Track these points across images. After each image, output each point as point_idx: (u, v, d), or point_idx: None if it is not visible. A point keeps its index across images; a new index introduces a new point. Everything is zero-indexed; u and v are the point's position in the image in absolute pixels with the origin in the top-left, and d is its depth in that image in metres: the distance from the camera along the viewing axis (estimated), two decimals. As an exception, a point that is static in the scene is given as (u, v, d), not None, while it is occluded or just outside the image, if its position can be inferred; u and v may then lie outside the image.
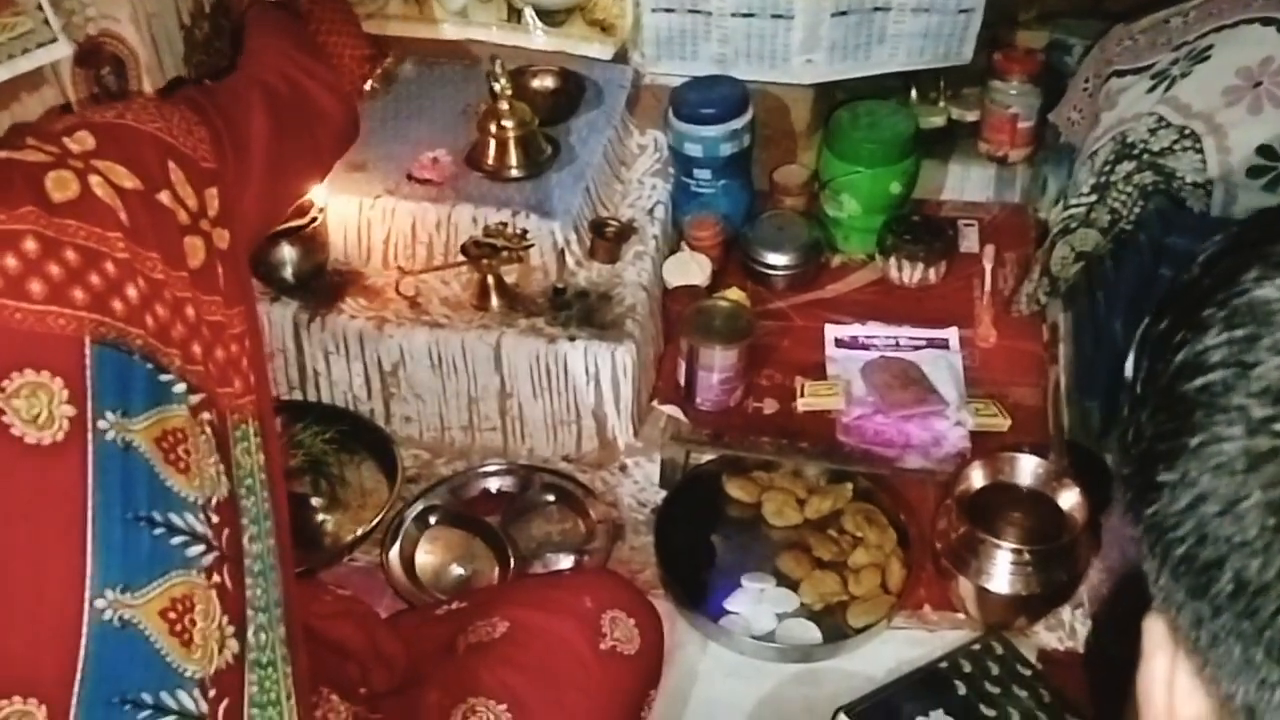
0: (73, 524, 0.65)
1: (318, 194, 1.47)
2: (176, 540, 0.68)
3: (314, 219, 1.46)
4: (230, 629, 0.71)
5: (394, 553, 1.36)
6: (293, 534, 0.81)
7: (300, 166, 1.01)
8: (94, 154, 0.71)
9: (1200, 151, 1.22)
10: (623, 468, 1.47)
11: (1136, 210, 1.27)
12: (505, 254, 1.43)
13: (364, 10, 1.76)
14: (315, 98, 1.04)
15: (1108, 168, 1.30)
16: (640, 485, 1.45)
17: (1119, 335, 1.35)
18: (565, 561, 1.36)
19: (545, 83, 1.70)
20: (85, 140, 0.71)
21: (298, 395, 1.50)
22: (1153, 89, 1.31)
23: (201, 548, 0.70)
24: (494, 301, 1.46)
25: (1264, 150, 1.19)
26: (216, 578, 0.70)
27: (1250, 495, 0.33)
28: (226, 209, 0.76)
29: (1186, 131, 1.23)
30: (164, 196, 0.72)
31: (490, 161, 1.54)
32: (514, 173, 1.54)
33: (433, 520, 1.40)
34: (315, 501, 1.41)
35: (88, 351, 0.66)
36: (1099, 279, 1.42)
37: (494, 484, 1.46)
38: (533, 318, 1.45)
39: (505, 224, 1.46)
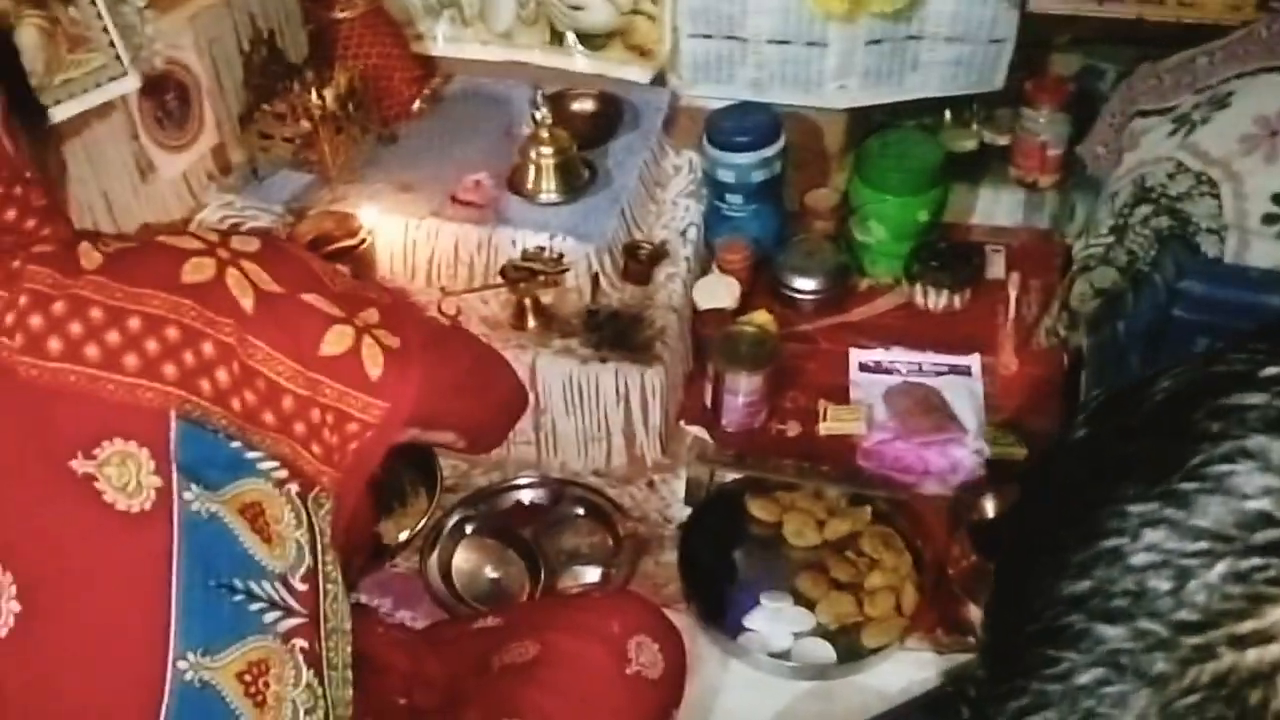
0: (159, 588, 0.69)
1: (368, 216, 1.54)
2: (255, 607, 0.72)
3: (364, 240, 1.53)
4: (319, 689, 0.75)
5: (433, 560, 1.44)
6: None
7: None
8: (249, 256, 0.74)
9: (1217, 198, 1.24)
10: (650, 484, 1.54)
11: (1153, 253, 1.31)
12: (542, 278, 1.49)
13: (413, 32, 1.83)
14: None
15: (1126, 210, 1.33)
16: (666, 501, 1.51)
17: (1134, 370, 1.38)
18: (593, 574, 1.43)
19: (585, 105, 1.76)
20: (250, 243, 0.75)
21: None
22: (1174, 132, 1.33)
23: (280, 614, 0.74)
24: (531, 322, 1.53)
25: (1279, 199, 1.21)
26: (300, 642, 0.74)
27: None
28: (389, 321, 0.78)
29: (1204, 178, 1.26)
30: (309, 298, 0.75)
31: (530, 186, 1.60)
32: (552, 197, 1.60)
33: (469, 529, 1.48)
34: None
35: (173, 425, 0.69)
36: (1122, 313, 1.46)
37: (527, 496, 1.53)
38: (567, 339, 1.51)
39: (543, 248, 1.52)
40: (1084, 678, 0.36)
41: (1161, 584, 0.36)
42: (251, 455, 0.73)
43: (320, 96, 1.61)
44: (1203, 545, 0.35)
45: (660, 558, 1.45)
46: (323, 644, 0.78)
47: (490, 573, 1.45)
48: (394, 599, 1.41)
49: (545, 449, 1.56)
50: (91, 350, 0.69)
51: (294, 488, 0.75)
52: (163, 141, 1.52)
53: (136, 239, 0.78)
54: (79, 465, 0.68)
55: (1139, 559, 0.36)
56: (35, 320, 0.69)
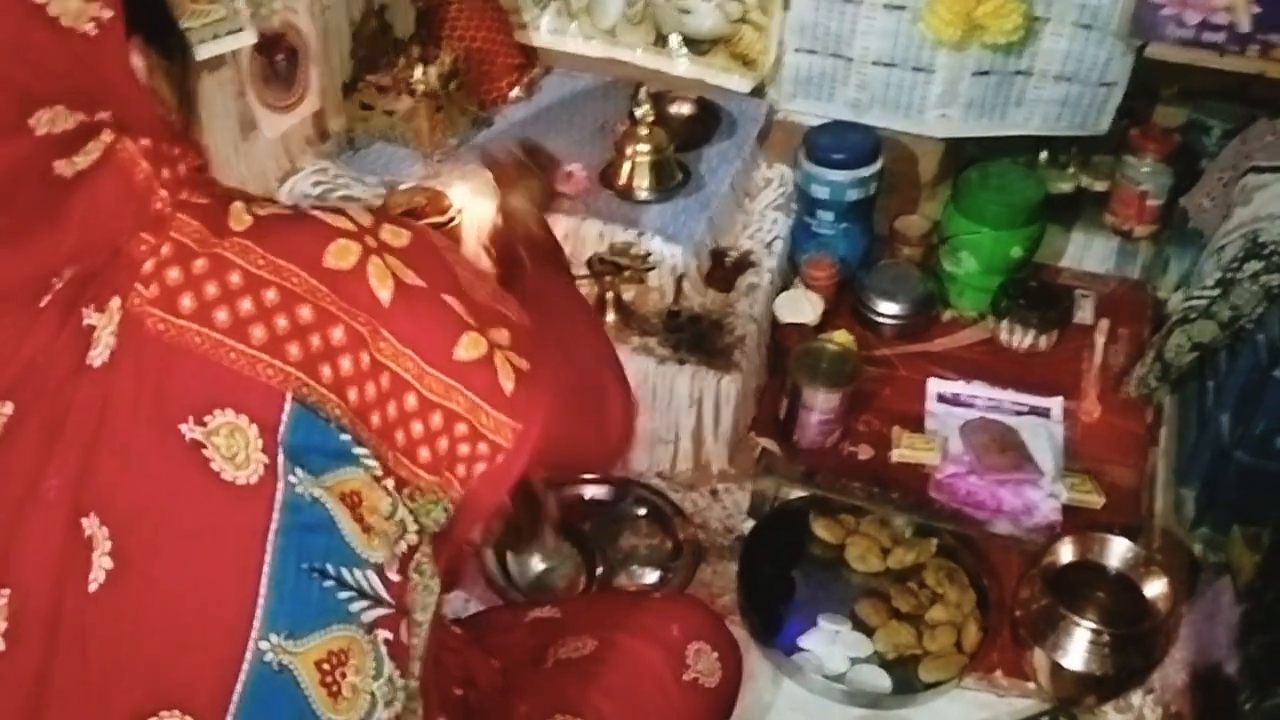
0: (252, 565, 0.66)
1: (459, 195, 1.55)
2: (344, 595, 0.70)
3: (453, 218, 1.53)
4: (400, 682, 0.74)
5: (490, 548, 1.43)
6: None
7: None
8: (396, 250, 0.71)
9: (1332, 260, 1.22)
10: (713, 492, 1.52)
11: (1259, 310, 1.28)
12: (628, 274, 1.48)
13: (517, 20, 1.83)
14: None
15: (1235, 264, 1.30)
16: (729, 512, 1.50)
17: (1224, 429, 1.35)
18: (650, 576, 1.41)
19: (683, 109, 1.76)
20: (399, 236, 0.72)
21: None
22: (1291, 191, 1.31)
23: (367, 604, 0.71)
24: (610, 316, 1.52)
25: (1399, 267, 1.18)
26: (384, 634, 0.72)
27: None
28: (519, 344, 0.75)
29: (1321, 239, 1.23)
30: (449, 299, 0.73)
31: (623, 181, 1.60)
32: (644, 195, 1.59)
33: (528, 519, 1.47)
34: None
35: (287, 407, 0.67)
36: (1212, 370, 1.43)
37: (589, 491, 1.52)
38: (646, 337, 1.50)
39: (630, 244, 1.52)
40: None
41: None
42: (358, 451, 0.71)
43: (425, 73, 1.62)
44: None
45: (718, 567, 1.43)
46: (409, 637, 0.76)
47: (547, 564, 1.43)
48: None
49: (611, 446, 1.55)
50: (222, 314, 0.67)
51: (391, 482, 0.73)
52: (268, 101, 1.53)
53: (290, 208, 0.74)
54: (189, 430, 0.66)
55: None
56: (173, 273, 0.67)
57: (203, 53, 1.35)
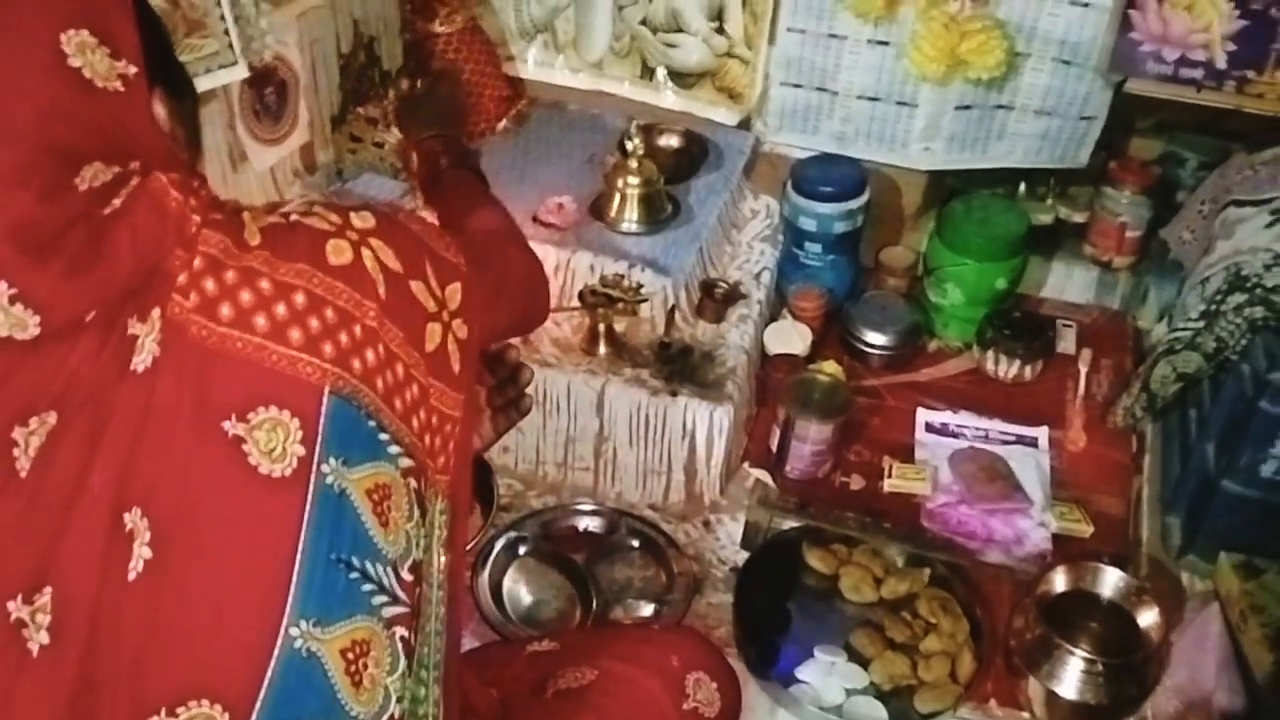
0: (285, 554, 0.70)
1: (449, 227, 1.54)
2: (366, 587, 0.73)
3: (443, 250, 1.53)
4: (411, 681, 0.76)
5: (484, 578, 1.42)
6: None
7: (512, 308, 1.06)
8: (371, 232, 0.77)
9: (1314, 293, 1.24)
10: (706, 523, 1.52)
11: (1243, 342, 1.30)
12: (620, 305, 1.49)
13: (505, 52, 1.84)
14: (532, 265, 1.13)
15: (1219, 297, 1.33)
16: (722, 543, 1.50)
17: (1209, 459, 1.37)
18: (645, 609, 1.41)
19: (671, 141, 1.77)
20: (367, 219, 0.77)
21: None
22: (1272, 224, 1.34)
23: (385, 599, 0.75)
24: (602, 348, 1.52)
25: (1379, 300, 1.21)
26: (400, 631, 0.75)
27: None
28: (466, 304, 0.82)
29: (1302, 272, 1.26)
30: (416, 286, 0.78)
31: (613, 213, 1.61)
32: (634, 227, 1.60)
33: (522, 550, 1.46)
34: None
35: (325, 400, 0.71)
36: (1194, 400, 1.45)
37: (583, 523, 1.52)
38: (638, 369, 1.51)
39: (622, 276, 1.52)
40: None
41: None
42: (383, 437, 0.75)
43: (414, 105, 1.62)
44: None
45: (713, 599, 1.43)
46: (417, 638, 0.78)
47: (539, 596, 1.43)
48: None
49: (604, 477, 1.55)
50: (260, 320, 0.71)
51: (413, 481, 0.77)
52: (257, 134, 1.53)
53: (275, 213, 0.78)
54: (230, 426, 0.69)
55: None
56: (209, 284, 0.71)
57: (197, 87, 1.35)
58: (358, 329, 0.73)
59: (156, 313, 0.70)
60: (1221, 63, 1.47)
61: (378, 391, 0.74)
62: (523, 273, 1.10)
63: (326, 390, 0.72)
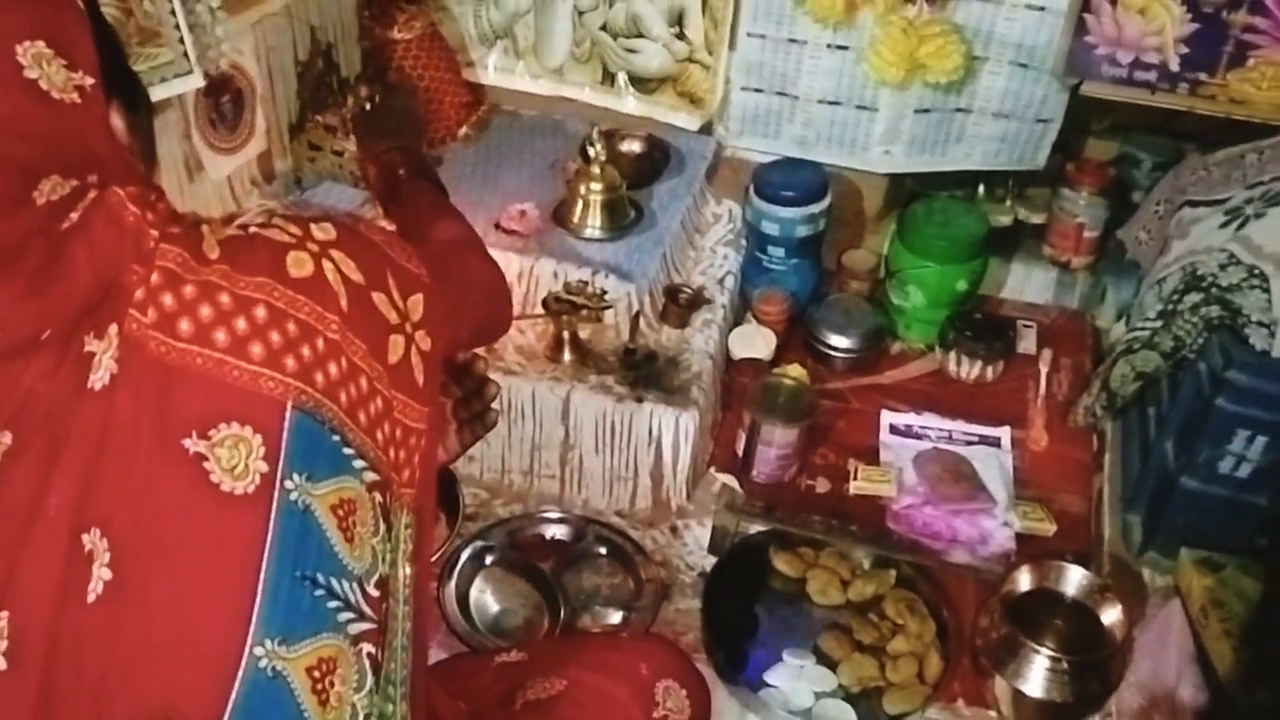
0: (248, 572, 0.68)
1: (410, 235, 1.53)
2: (332, 604, 0.72)
3: (404, 259, 1.51)
4: (378, 698, 0.75)
5: (450, 588, 1.41)
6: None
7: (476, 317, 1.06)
8: (332, 244, 0.75)
9: (1267, 291, 1.26)
10: (674, 529, 1.52)
11: (1200, 341, 1.32)
12: (584, 312, 1.48)
13: (464, 59, 1.83)
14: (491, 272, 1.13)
15: (1175, 296, 1.34)
16: (690, 548, 1.50)
17: (1168, 456, 1.39)
18: (613, 616, 1.41)
19: (633, 147, 1.77)
20: (328, 230, 0.76)
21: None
22: (1226, 224, 1.36)
23: (352, 615, 0.74)
24: (567, 355, 1.52)
25: (1329, 298, 1.23)
26: (367, 647, 0.74)
27: None
28: (429, 316, 0.81)
29: (1256, 271, 1.27)
30: (378, 297, 0.77)
31: (576, 220, 1.60)
32: (597, 233, 1.60)
33: (488, 560, 1.45)
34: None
35: (288, 415, 0.70)
36: (1153, 398, 1.47)
37: (549, 531, 1.51)
38: (603, 375, 1.51)
39: (585, 282, 1.52)
40: None
41: None
42: (348, 451, 0.74)
43: (373, 113, 1.60)
44: None
45: (681, 605, 1.43)
46: (385, 654, 0.77)
47: (507, 605, 1.42)
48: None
49: (570, 485, 1.54)
50: (220, 335, 0.69)
51: (379, 496, 0.76)
52: (214, 143, 1.51)
53: (233, 225, 0.77)
54: (192, 444, 0.68)
55: None
56: (167, 299, 0.69)
57: (151, 96, 1.33)
58: (320, 342, 0.72)
59: (114, 329, 0.68)
60: (1175, 65, 1.49)
61: (341, 405, 0.73)
62: (485, 282, 1.10)
63: (289, 405, 0.70)
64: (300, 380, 0.71)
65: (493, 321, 1.12)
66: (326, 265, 0.74)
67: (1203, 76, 1.48)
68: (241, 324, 0.70)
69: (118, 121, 0.74)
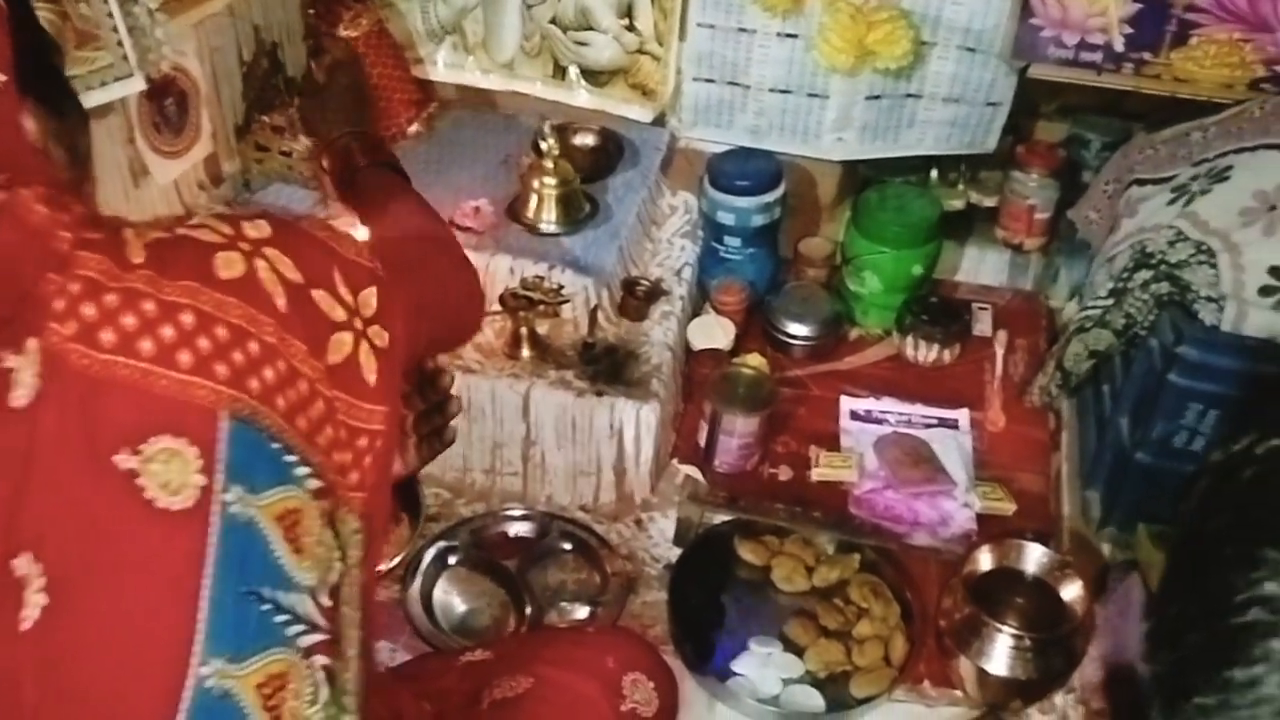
0: (190, 590, 0.66)
1: (364, 235, 1.51)
2: (280, 618, 0.70)
3: (358, 259, 1.50)
4: (334, 709, 0.73)
5: (414, 589, 1.40)
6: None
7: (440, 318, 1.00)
8: (266, 241, 0.72)
9: (1215, 267, 1.28)
10: (638, 522, 1.52)
11: (1151, 317, 1.34)
12: (541, 307, 1.47)
13: (413, 55, 1.82)
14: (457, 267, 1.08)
15: (1126, 274, 1.36)
16: (655, 540, 1.50)
17: (1123, 432, 1.41)
18: (580, 611, 1.40)
19: (586, 140, 1.76)
20: (262, 228, 0.73)
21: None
22: (1173, 202, 1.37)
23: (302, 628, 0.70)
24: (525, 351, 1.51)
25: (1275, 271, 1.25)
26: (321, 659, 0.72)
27: None
28: (385, 310, 0.77)
29: (1203, 247, 1.29)
30: (319, 294, 0.74)
31: (530, 215, 1.59)
32: (553, 228, 1.59)
33: (452, 560, 1.44)
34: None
35: (221, 424, 0.67)
36: (1107, 376, 1.49)
37: (513, 529, 1.50)
38: (562, 370, 1.50)
39: (542, 278, 1.51)
40: (1267, 691, 0.36)
41: None
42: (289, 459, 0.71)
43: (321, 112, 1.58)
44: None
45: (647, 597, 1.43)
46: (339, 665, 0.75)
47: (473, 605, 1.41)
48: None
49: (533, 481, 1.54)
50: (145, 344, 0.67)
51: (325, 503, 0.74)
52: (158, 146, 1.48)
53: (162, 227, 0.74)
54: (123, 460, 0.65)
55: None
56: (88, 309, 0.66)
57: (90, 100, 1.30)
58: (254, 346, 0.70)
59: (34, 343, 0.66)
60: (1119, 45, 1.50)
61: (279, 411, 0.70)
62: (449, 274, 1.05)
63: (223, 414, 0.68)
64: (233, 387, 0.68)
65: (461, 320, 1.07)
66: (259, 264, 0.72)
67: (1147, 56, 1.50)
68: (168, 332, 0.67)
69: (30, 124, 0.71)
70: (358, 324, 0.76)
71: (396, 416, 0.80)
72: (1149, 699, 0.41)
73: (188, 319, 0.68)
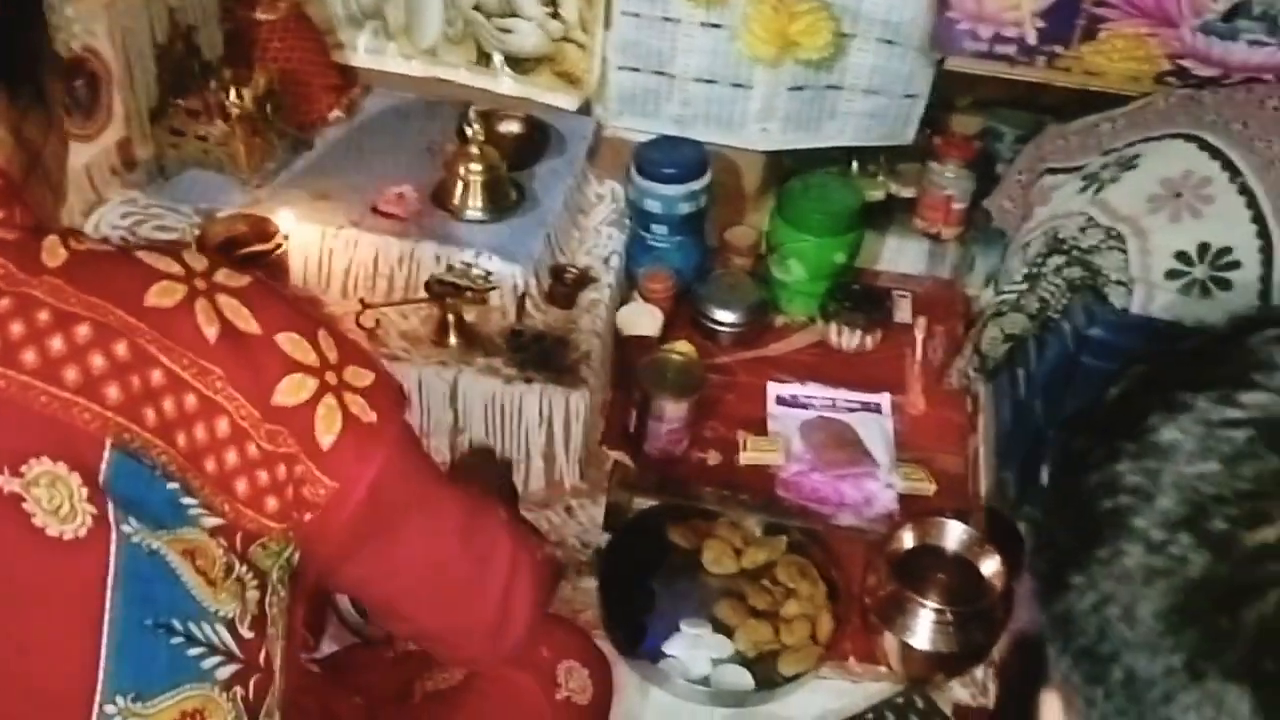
0: (90, 624, 0.61)
1: (284, 222, 1.49)
2: (194, 651, 0.65)
3: (279, 245, 1.47)
4: None
5: (340, 581, 1.38)
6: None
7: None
8: (229, 290, 0.66)
9: (1124, 252, 1.33)
10: (568, 509, 1.52)
11: (1064, 301, 1.38)
12: (468, 294, 1.46)
13: (333, 40, 1.79)
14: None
15: (1039, 259, 1.40)
16: (584, 527, 1.50)
17: (1038, 413, 1.45)
18: (510, 598, 1.40)
19: (511, 128, 1.75)
20: (237, 279, 0.67)
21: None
22: (1084, 189, 1.42)
23: (219, 659, 0.67)
24: (453, 339, 1.50)
25: (1180, 256, 1.31)
26: (240, 690, 0.68)
27: (1145, 603, 0.39)
28: (379, 403, 0.70)
29: (1113, 232, 1.34)
30: (284, 337, 0.67)
31: (456, 201, 1.58)
32: (479, 215, 1.58)
33: (379, 551, 1.42)
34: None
35: (106, 454, 0.62)
36: (1021, 359, 1.53)
37: (441, 518, 1.49)
38: (490, 358, 1.49)
39: (469, 264, 1.50)
40: (1130, 562, 0.40)
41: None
42: (186, 501, 0.65)
43: (239, 95, 1.55)
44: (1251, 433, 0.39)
45: (578, 583, 1.43)
46: (265, 693, 0.72)
47: (401, 595, 1.40)
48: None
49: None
50: (29, 355, 0.61)
51: (225, 541, 0.67)
52: (69, 130, 1.43)
53: (114, 244, 0.69)
54: (4, 482, 0.60)
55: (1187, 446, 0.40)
56: None
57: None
58: (157, 374, 0.63)
59: None
60: (1032, 39, 1.55)
61: (179, 448, 0.64)
62: (488, 557, 0.86)
63: (108, 442, 0.62)
64: (124, 415, 0.62)
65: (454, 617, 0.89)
66: (200, 303, 0.65)
67: (1058, 49, 1.55)
68: (56, 344, 0.61)
69: None
70: (331, 379, 0.68)
71: (345, 513, 0.70)
72: (1034, 598, 0.44)
73: (83, 331, 0.62)
